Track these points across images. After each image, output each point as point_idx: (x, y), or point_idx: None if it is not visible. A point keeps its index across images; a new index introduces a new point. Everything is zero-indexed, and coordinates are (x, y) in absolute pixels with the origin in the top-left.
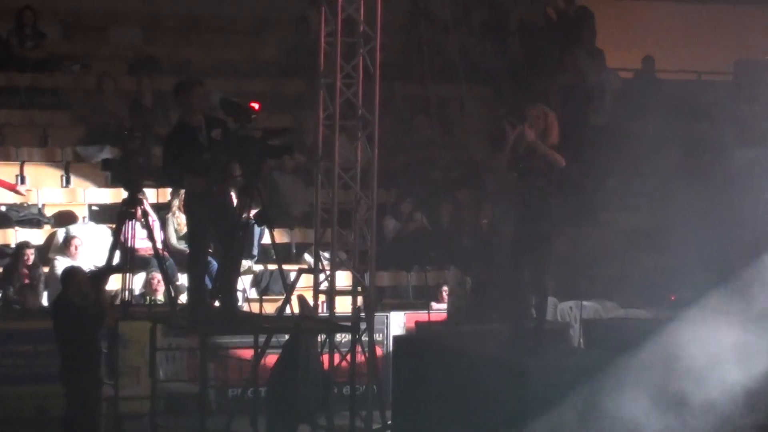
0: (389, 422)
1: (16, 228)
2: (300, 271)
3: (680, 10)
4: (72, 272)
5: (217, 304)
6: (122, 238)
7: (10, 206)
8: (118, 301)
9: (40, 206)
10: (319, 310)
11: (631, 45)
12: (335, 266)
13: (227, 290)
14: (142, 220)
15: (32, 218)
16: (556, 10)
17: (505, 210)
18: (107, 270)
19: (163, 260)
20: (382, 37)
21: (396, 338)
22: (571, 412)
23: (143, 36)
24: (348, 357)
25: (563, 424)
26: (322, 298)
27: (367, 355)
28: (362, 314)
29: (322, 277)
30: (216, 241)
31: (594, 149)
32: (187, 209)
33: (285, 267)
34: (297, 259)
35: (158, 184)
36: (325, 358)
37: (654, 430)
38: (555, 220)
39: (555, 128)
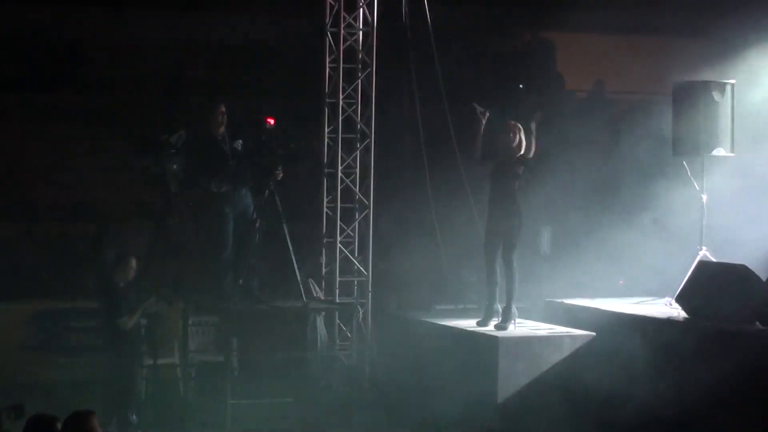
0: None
1: None
2: (308, 260)
3: (627, 41)
4: (121, 258)
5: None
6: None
7: None
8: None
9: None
10: (324, 293)
11: (586, 70)
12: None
13: (247, 275)
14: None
15: None
16: (521, 42)
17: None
18: (147, 258)
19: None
20: (376, 64)
21: (390, 316)
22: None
23: (176, 61)
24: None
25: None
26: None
27: (363, 329)
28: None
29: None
30: (237, 235)
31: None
32: (213, 208)
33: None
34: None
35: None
36: None
37: None
38: (522, 218)
39: (518, 137)
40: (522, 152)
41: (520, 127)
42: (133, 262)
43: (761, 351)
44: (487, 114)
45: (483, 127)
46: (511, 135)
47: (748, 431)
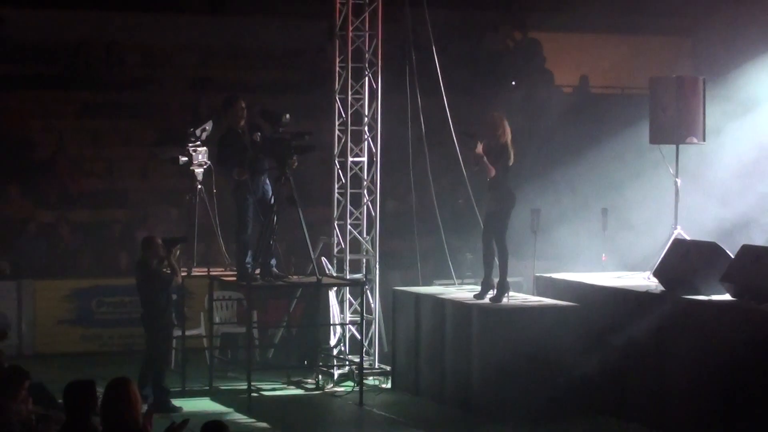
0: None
1: None
2: (321, 241)
3: (609, 40)
4: (149, 241)
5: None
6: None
7: None
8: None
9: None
10: (335, 271)
11: (571, 67)
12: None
13: (266, 255)
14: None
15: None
16: (513, 41)
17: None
18: (176, 239)
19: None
20: (382, 63)
21: (394, 290)
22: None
23: (200, 61)
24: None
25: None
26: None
27: (372, 303)
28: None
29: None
30: (256, 218)
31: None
32: (234, 194)
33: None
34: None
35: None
36: None
37: None
38: (509, 203)
39: (505, 129)
40: (504, 139)
41: (497, 116)
42: (161, 243)
43: (730, 320)
44: (477, 137)
45: (477, 146)
46: (497, 126)
47: (719, 395)
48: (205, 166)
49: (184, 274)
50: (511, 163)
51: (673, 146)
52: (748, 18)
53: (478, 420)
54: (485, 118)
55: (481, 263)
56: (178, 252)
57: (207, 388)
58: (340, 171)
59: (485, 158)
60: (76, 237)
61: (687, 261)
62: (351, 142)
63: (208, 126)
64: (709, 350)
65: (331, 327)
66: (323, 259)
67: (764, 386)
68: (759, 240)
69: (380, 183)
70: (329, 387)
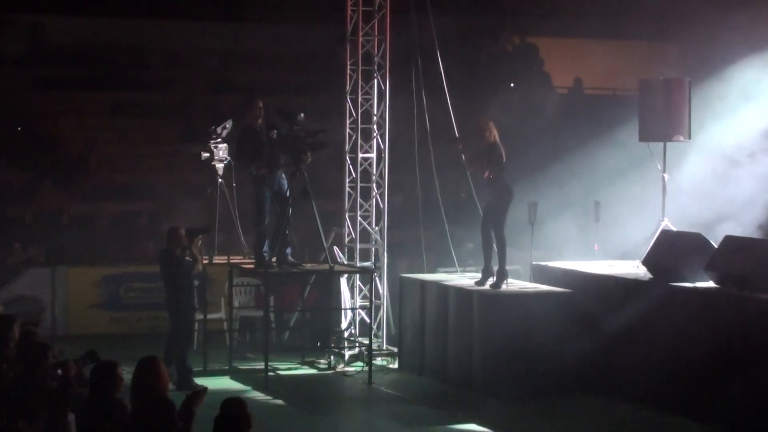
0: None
1: None
2: (333, 231)
3: (601, 45)
4: (173, 231)
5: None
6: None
7: None
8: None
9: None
10: (346, 259)
11: (566, 70)
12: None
13: (282, 244)
14: (217, 193)
15: None
16: (512, 46)
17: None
18: (198, 230)
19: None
20: (389, 65)
21: (401, 277)
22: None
23: (221, 64)
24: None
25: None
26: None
27: (380, 289)
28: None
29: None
30: (273, 210)
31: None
32: (252, 187)
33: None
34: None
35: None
36: None
37: None
38: (507, 197)
39: (491, 130)
40: (491, 139)
41: (483, 119)
42: (184, 234)
43: (713, 305)
44: (459, 140)
45: (462, 149)
46: (483, 129)
47: (702, 374)
48: (225, 162)
49: (205, 261)
50: (504, 160)
51: (661, 143)
52: (729, 24)
53: (479, 397)
54: (472, 122)
55: (479, 251)
56: (199, 241)
57: (227, 367)
58: (350, 166)
59: (476, 161)
60: (105, 227)
61: (673, 250)
62: (361, 139)
63: (228, 124)
64: (694, 333)
65: (342, 311)
66: (335, 248)
67: (745, 366)
68: (736, 232)
69: (388, 177)
70: (340, 367)
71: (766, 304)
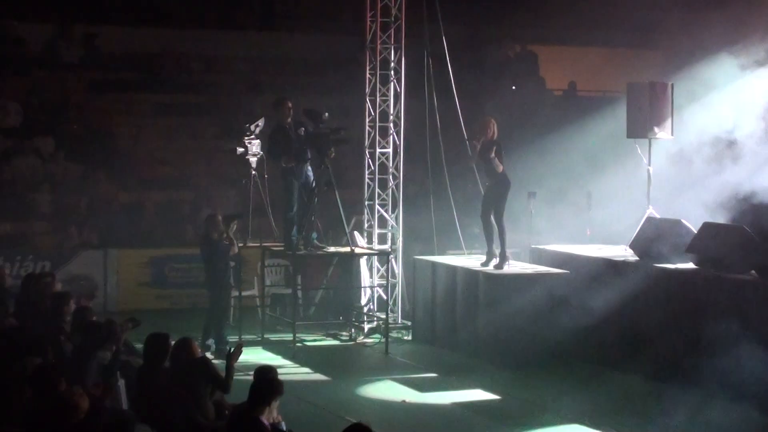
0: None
1: None
2: (354, 217)
3: (593, 52)
4: (211, 216)
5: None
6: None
7: None
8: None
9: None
10: (365, 242)
11: (561, 75)
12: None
13: (308, 229)
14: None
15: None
16: (513, 52)
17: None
18: (234, 216)
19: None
20: (404, 70)
21: (414, 259)
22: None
23: (254, 68)
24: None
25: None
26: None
27: (395, 269)
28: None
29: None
30: (300, 199)
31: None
32: (282, 178)
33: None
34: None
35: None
36: None
37: None
38: (506, 186)
39: (492, 129)
40: (491, 136)
41: (488, 119)
42: (221, 220)
43: (693, 284)
44: (478, 143)
45: (478, 148)
46: (488, 127)
47: (683, 345)
48: (258, 156)
49: (240, 245)
50: (503, 153)
51: (647, 140)
52: (707, 33)
53: (485, 366)
54: (478, 122)
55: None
56: (235, 226)
57: (259, 339)
58: (369, 160)
59: (497, 155)
60: (151, 214)
61: (658, 235)
62: (379, 136)
63: (261, 122)
64: (676, 309)
65: (362, 289)
66: (355, 232)
67: (723, 337)
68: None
69: (403, 170)
70: (360, 339)
71: (739, 283)
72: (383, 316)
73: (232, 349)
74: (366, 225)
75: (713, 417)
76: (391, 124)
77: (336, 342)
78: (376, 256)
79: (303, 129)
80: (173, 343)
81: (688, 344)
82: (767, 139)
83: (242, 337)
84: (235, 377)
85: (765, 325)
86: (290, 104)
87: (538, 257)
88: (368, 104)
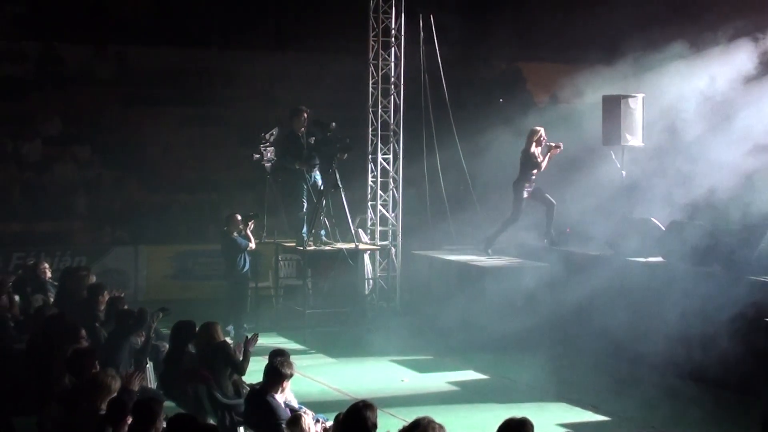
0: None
1: None
2: (358, 216)
3: (572, 68)
4: (230, 216)
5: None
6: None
7: None
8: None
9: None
10: (369, 239)
11: (545, 88)
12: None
13: (317, 227)
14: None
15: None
16: (502, 69)
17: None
18: (251, 216)
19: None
20: (403, 85)
21: (412, 253)
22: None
23: (270, 84)
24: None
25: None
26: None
27: (395, 262)
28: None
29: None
30: (310, 200)
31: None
32: (294, 182)
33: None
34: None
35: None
36: None
37: None
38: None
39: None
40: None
41: (535, 129)
42: (239, 218)
43: (661, 274)
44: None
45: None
46: (530, 135)
47: (653, 330)
48: (272, 161)
49: (257, 241)
50: None
51: (620, 146)
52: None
53: (475, 348)
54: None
55: (474, 233)
56: (252, 225)
57: (274, 325)
58: (372, 165)
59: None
60: (177, 214)
61: (631, 232)
62: (380, 143)
63: (275, 131)
64: (646, 296)
65: (366, 280)
66: (360, 230)
67: (686, 317)
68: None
69: (402, 174)
70: (364, 325)
71: (703, 273)
72: (385, 304)
73: (249, 336)
74: (369, 223)
75: (654, 385)
76: (392, 133)
77: (342, 328)
78: (378, 251)
79: (313, 138)
80: (200, 326)
81: (657, 324)
82: (716, 141)
83: (258, 324)
84: (252, 360)
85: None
86: (306, 114)
87: (524, 251)
88: (371, 115)
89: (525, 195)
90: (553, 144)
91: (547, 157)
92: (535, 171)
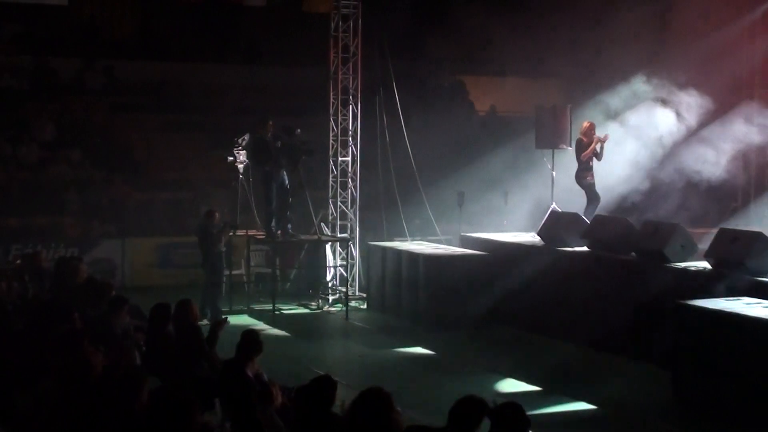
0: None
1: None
2: (320, 212)
3: (509, 81)
4: (208, 212)
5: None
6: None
7: None
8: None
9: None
10: (330, 231)
11: (485, 99)
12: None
13: (284, 221)
14: (239, 185)
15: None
16: (447, 82)
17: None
18: (232, 225)
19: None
20: (360, 95)
21: (368, 244)
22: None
23: (241, 94)
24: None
25: (451, 283)
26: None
27: (353, 252)
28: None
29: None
30: (278, 197)
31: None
32: (263, 181)
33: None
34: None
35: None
36: None
37: None
38: None
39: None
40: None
41: (588, 122)
42: (217, 215)
43: (586, 262)
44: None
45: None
46: (583, 128)
47: (580, 310)
48: (244, 163)
49: (230, 234)
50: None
51: (551, 150)
52: (602, 66)
53: (424, 328)
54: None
55: (425, 227)
56: (230, 232)
57: (245, 308)
58: (333, 166)
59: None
60: (159, 210)
61: (559, 224)
62: (340, 147)
63: (246, 136)
64: (573, 282)
65: (327, 268)
66: (322, 223)
67: (614, 304)
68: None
69: (359, 174)
70: (326, 308)
71: (622, 261)
72: (344, 289)
73: (216, 322)
74: (330, 218)
75: (575, 359)
76: (350, 138)
77: (306, 310)
78: (338, 243)
79: (280, 142)
80: (176, 304)
81: (581, 307)
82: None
83: (232, 307)
84: (225, 338)
85: (638, 293)
86: (271, 122)
87: (466, 243)
88: (332, 122)
89: (590, 180)
90: (601, 136)
91: (597, 146)
92: (588, 161)
